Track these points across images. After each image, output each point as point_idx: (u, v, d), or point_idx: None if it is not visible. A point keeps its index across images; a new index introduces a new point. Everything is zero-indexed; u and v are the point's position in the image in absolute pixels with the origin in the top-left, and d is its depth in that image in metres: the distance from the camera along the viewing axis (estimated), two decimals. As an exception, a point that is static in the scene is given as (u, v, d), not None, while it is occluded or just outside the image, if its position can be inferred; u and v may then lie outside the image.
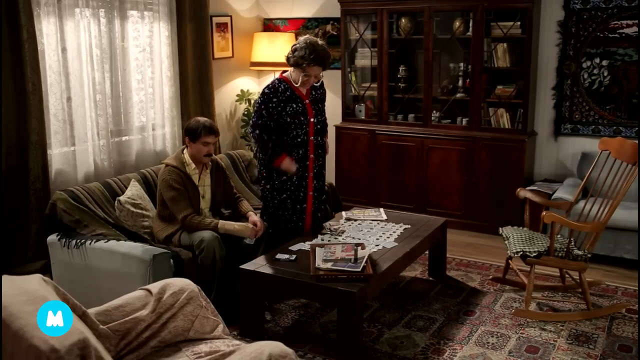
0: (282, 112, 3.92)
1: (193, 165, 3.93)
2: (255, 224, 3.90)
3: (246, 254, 3.80)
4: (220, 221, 3.88)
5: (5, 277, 2.18)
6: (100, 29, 4.59)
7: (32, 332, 1.87)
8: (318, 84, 4.05)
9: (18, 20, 3.94)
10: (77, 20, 4.42)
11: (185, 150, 3.98)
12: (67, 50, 4.36)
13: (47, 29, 4.23)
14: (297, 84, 3.94)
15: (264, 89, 3.97)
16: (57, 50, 4.30)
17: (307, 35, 4.00)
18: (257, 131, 3.92)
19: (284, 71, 4.09)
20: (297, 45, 3.88)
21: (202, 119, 3.97)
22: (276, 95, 3.91)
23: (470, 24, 5.39)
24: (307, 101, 4.00)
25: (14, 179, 4.09)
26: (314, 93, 4.07)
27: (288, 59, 3.92)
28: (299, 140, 3.98)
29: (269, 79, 6.48)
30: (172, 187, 3.82)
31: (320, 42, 3.92)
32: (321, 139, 4.14)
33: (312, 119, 4.01)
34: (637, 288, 4.26)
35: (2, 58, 3.95)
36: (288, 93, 3.94)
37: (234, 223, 3.90)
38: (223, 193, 4.14)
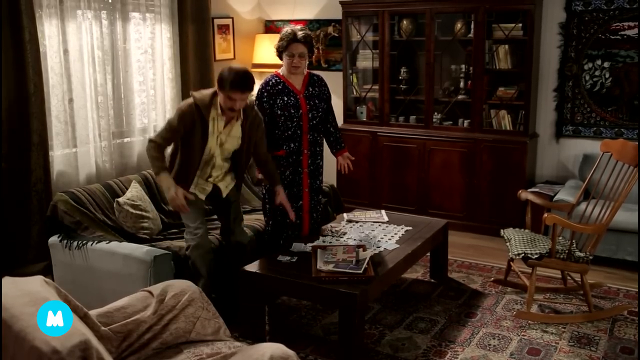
0: (273, 106, 3.96)
1: (218, 111, 3.53)
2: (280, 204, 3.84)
3: (236, 252, 3.83)
4: (163, 174, 3.50)
5: (6, 279, 2.19)
6: (102, 31, 4.60)
7: (34, 334, 1.87)
8: (303, 62, 4.00)
9: (20, 21, 3.95)
10: (79, 22, 4.42)
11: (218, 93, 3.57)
12: (69, 51, 4.36)
13: (49, 31, 4.24)
14: (291, 73, 3.99)
15: (261, 85, 4.03)
16: (59, 52, 4.30)
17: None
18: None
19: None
20: (279, 36, 4.01)
21: (238, 68, 3.49)
22: (266, 89, 3.98)
23: (472, 26, 5.39)
24: (300, 96, 4.00)
25: (16, 180, 4.09)
26: (310, 89, 4.06)
27: (276, 50, 4.02)
28: (289, 133, 3.98)
29: (270, 80, 6.49)
30: (177, 118, 3.50)
31: (298, 27, 4.02)
32: (318, 137, 4.14)
33: (308, 114, 4.01)
34: (638, 290, 4.26)
35: (5, 59, 3.95)
36: (280, 87, 3.99)
37: (170, 184, 3.48)
38: (254, 154, 3.81)
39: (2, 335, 1.93)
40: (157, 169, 3.52)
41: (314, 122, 4.07)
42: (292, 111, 3.96)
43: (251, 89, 3.46)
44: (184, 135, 3.54)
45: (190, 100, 3.54)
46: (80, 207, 3.90)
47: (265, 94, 3.97)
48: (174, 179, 3.55)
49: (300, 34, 3.91)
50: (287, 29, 3.98)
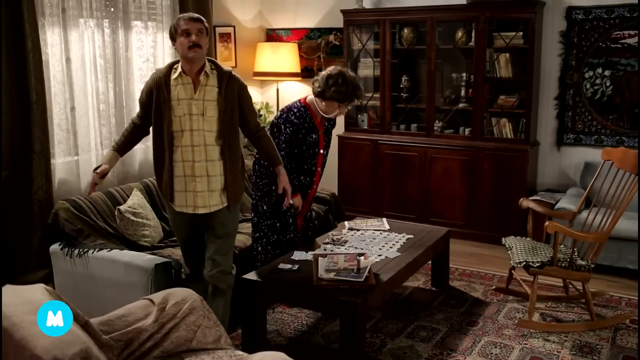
0: (302, 141, 3.88)
1: (179, 71, 3.15)
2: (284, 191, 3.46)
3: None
4: (110, 150, 3.35)
5: (8, 287, 2.19)
6: (104, 39, 4.62)
7: (35, 342, 1.87)
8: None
9: (23, 30, 3.97)
10: (82, 31, 4.44)
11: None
12: (71, 60, 4.38)
13: (51, 39, 4.26)
14: (324, 113, 3.88)
15: (290, 116, 3.84)
16: (61, 60, 4.32)
17: (334, 67, 3.89)
18: (286, 159, 3.75)
19: (306, 96, 3.99)
20: (332, 79, 3.76)
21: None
22: (303, 125, 3.86)
23: (473, 34, 5.41)
24: (321, 132, 3.98)
25: (17, 188, 4.10)
26: (326, 124, 4.04)
27: (322, 92, 3.79)
28: (305, 167, 3.96)
29: (271, 88, 6.51)
30: (142, 90, 3.31)
31: (350, 73, 3.88)
32: (322, 170, 4.15)
33: (322, 150, 4.01)
34: (641, 298, 4.25)
35: (7, 68, 3.97)
36: (309, 120, 3.90)
37: (103, 161, 3.29)
38: (243, 128, 3.36)
39: (2, 344, 1.93)
40: (114, 142, 3.47)
41: (325, 159, 4.09)
42: (315, 150, 3.95)
43: (201, 19, 3.15)
44: (149, 108, 3.21)
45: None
46: (81, 215, 3.90)
47: (303, 130, 3.85)
48: (158, 182, 3.28)
49: (361, 91, 3.84)
50: (347, 77, 3.75)
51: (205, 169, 3.19)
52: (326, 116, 3.91)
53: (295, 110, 3.87)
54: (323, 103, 3.83)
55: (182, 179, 3.22)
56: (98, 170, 3.23)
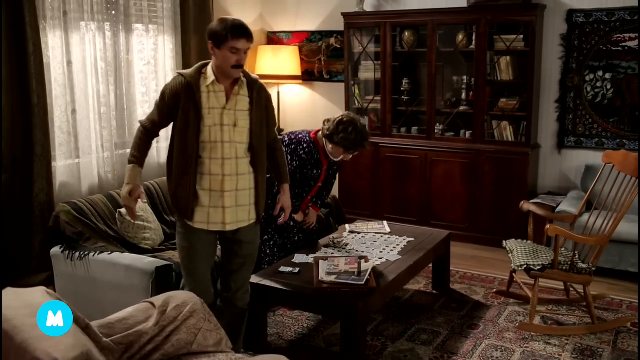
0: (304, 174, 3.91)
1: (212, 79, 2.93)
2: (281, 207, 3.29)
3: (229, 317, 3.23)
4: (132, 165, 3.02)
5: (9, 290, 2.19)
6: (105, 42, 4.62)
7: (36, 345, 1.87)
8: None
9: (24, 33, 3.97)
10: (83, 34, 4.45)
11: (211, 64, 3.00)
12: (73, 63, 4.39)
13: (52, 42, 4.26)
14: (329, 154, 3.90)
15: (299, 151, 3.86)
16: (63, 63, 4.33)
17: (347, 113, 3.89)
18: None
19: (317, 131, 3.97)
20: (343, 126, 3.76)
21: (230, 18, 2.97)
22: (310, 162, 3.88)
23: (474, 37, 5.42)
24: (324, 167, 4.00)
25: (18, 190, 4.10)
26: (331, 168, 4.08)
27: (330, 135, 3.78)
28: (297, 191, 3.94)
29: (272, 91, 6.51)
30: (161, 94, 3.01)
31: (362, 122, 3.89)
32: (317, 201, 4.16)
33: (319, 184, 4.04)
34: (642, 302, 4.25)
35: (8, 71, 3.97)
36: (317, 157, 3.92)
37: (131, 180, 3.00)
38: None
39: (3, 347, 1.93)
40: (131, 156, 3.02)
41: (323, 192, 4.13)
42: (312, 183, 3.98)
43: (252, 37, 2.96)
44: (173, 116, 2.97)
45: (175, 75, 3.03)
46: (82, 218, 3.91)
47: (309, 166, 3.88)
48: (174, 196, 3.02)
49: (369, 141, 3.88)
50: (358, 126, 3.75)
51: (235, 183, 2.98)
52: (331, 159, 3.94)
53: (305, 145, 3.87)
54: (330, 145, 3.85)
55: (207, 193, 2.96)
56: (134, 197, 2.99)
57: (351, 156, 3.94)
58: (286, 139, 3.93)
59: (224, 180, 2.95)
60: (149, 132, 3.07)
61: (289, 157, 3.82)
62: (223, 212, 2.98)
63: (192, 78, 2.92)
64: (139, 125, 3.08)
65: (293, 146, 3.87)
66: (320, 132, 3.91)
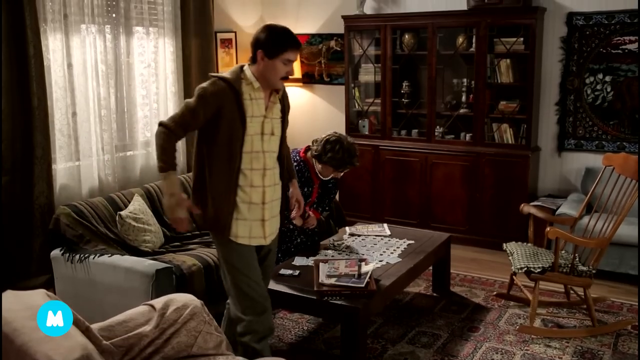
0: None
1: (257, 85, 2.80)
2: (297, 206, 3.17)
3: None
4: (171, 171, 2.74)
5: (9, 292, 2.19)
6: (105, 45, 4.63)
7: (36, 348, 1.87)
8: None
9: (25, 36, 3.98)
10: (83, 36, 4.45)
11: (245, 67, 2.85)
12: (73, 65, 4.39)
13: (53, 45, 4.27)
14: (319, 174, 3.96)
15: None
16: (63, 66, 4.33)
17: (333, 132, 3.91)
18: None
19: (307, 148, 4.00)
20: (330, 145, 3.80)
21: (280, 26, 2.84)
22: (301, 180, 3.87)
23: (474, 40, 5.42)
24: (316, 185, 4.04)
25: (19, 193, 4.10)
26: (324, 186, 4.12)
27: (319, 156, 3.83)
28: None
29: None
30: (197, 97, 2.73)
31: (349, 139, 3.88)
32: (317, 208, 4.19)
33: (313, 199, 4.07)
34: (642, 304, 4.24)
35: (9, 73, 3.98)
36: (307, 175, 3.96)
37: (176, 189, 2.75)
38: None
39: (3, 349, 1.93)
40: (163, 163, 2.72)
41: (318, 208, 4.16)
42: (305, 200, 3.97)
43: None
44: (207, 123, 2.76)
45: (213, 79, 2.79)
46: (82, 220, 3.91)
47: (299, 183, 3.73)
48: (214, 217, 2.80)
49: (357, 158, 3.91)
50: (345, 145, 3.81)
51: (272, 194, 2.91)
52: (322, 177, 3.99)
53: (295, 164, 3.87)
54: (319, 165, 3.91)
55: (246, 206, 2.84)
56: (184, 206, 2.75)
57: (342, 174, 3.95)
58: None
59: (265, 191, 2.87)
60: (175, 135, 2.75)
61: None
62: (263, 225, 2.90)
63: (235, 83, 2.77)
64: (161, 128, 2.74)
65: None
66: (309, 152, 3.96)
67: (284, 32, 2.80)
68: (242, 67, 2.85)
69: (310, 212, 4.05)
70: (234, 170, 2.78)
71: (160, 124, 2.74)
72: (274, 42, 2.76)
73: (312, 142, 3.95)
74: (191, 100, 2.75)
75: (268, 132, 2.85)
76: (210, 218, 2.83)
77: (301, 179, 3.90)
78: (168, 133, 2.72)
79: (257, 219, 2.88)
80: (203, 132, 2.80)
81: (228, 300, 3.06)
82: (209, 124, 2.75)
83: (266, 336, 2.93)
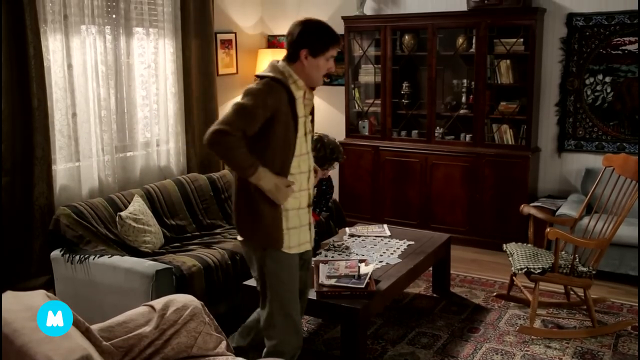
0: None
1: (302, 83, 2.69)
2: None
3: None
4: (261, 167, 2.58)
5: (9, 293, 2.19)
6: (105, 46, 4.63)
7: (36, 349, 1.86)
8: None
9: (25, 37, 3.98)
10: (83, 37, 4.46)
11: (283, 65, 2.71)
12: (73, 66, 4.39)
13: (53, 46, 4.27)
14: None
15: None
16: (63, 67, 4.33)
17: (315, 132, 3.91)
18: None
19: None
20: (312, 144, 3.75)
21: (316, 20, 2.78)
22: None
23: (474, 41, 5.42)
24: None
25: (19, 194, 4.10)
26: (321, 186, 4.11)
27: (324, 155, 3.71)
28: None
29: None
30: (254, 98, 2.57)
31: (330, 138, 3.78)
32: (315, 208, 4.15)
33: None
34: (642, 305, 4.24)
35: (10, 74, 3.98)
36: None
37: (276, 178, 2.62)
38: None
39: (3, 350, 1.93)
40: (249, 166, 2.55)
41: (322, 201, 4.14)
42: None
43: None
44: (264, 127, 2.60)
45: (266, 79, 2.64)
46: (82, 221, 3.91)
47: None
48: (268, 230, 2.68)
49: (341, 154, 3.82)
50: (326, 141, 3.66)
51: (312, 195, 2.86)
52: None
53: None
54: None
55: (296, 212, 2.75)
56: (286, 183, 2.65)
57: (330, 171, 3.95)
58: None
59: (309, 194, 2.81)
60: (239, 139, 2.54)
61: None
62: (310, 229, 2.84)
63: (286, 84, 2.64)
64: (221, 136, 2.50)
65: None
66: None
67: (327, 29, 2.71)
68: (277, 64, 2.70)
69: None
70: (286, 176, 2.67)
71: (219, 132, 2.50)
72: (319, 40, 2.67)
73: None
74: (245, 102, 2.55)
75: (309, 132, 2.78)
76: (264, 232, 2.68)
77: None
78: (234, 137, 2.51)
79: (305, 223, 2.80)
80: (253, 139, 2.60)
81: (257, 311, 2.97)
82: (261, 129, 2.59)
83: (296, 354, 2.85)
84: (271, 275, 2.75)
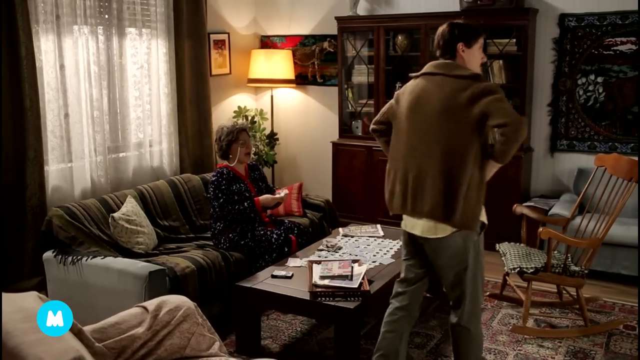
0: (230, 189, 4.17)
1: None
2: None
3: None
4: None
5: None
6: (98, 46, 4.62)
7: (28, 350, 1.86)
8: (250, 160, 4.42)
9: (17, 37, 3.97)
10: (76, 38, 4.44)
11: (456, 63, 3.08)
12: (65, 67, 4.38)
13: (45, 46, 4.25)
14: (239, 161, 4.26)
15: (216, 184, 4.16)
16: (55, 67, 4.32)
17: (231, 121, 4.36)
18: (225, 210, 4.12)
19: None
20: (217, 135, 4.32)
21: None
22: (227, 181, 4.17)
23: (466, 41, 5.42)
24: (247, 181, 4.27)
25: (11, 195, 4.09)
26: (252, 174, 4.39)
27: (221, 150, 4.27)
28: (247, 211, 4.16)
29: (266, 95, 6.52)
30: (498, 88, 3.04)
31: (223, 127, 4.31)
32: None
33: (255, 193, 4.28)
34: (634, 304, 4.26)
35: (2, 75, 3.96)
36: (231, 175, 4.22)
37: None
38: None
39: (-5, 352, 1.92)
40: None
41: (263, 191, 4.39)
42: (247, 194, 4.21)
43: None
44: (483, 124, 3.06)
45: (485, 80, 3.02)
46: (75, 222, 3.89)
47: (223, 182, 4.17)
48: (475, 212, 2.94)
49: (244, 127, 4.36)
50: (224, 127, 4.30)
51: None
52: (236, 164, 4.26)
53: (216, 177, 4.19)
54: (229, 157, 4.27)
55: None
56: None
57: (248, 152, 4.30)
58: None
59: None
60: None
61: (217, 194, 4.14)
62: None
63: None
64: (523, 123, 3.09)
65: (212, 187, 4.17)
66: (219, 160, 4.39)
67: (471, 24, 3.05)
68: (452, 62, 2.99)
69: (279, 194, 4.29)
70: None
71: (524, 122, 2.96)
72: (469, 32, 2.99)
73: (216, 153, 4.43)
74: (502, 95, 2.95)
75: None
76: (476, 215, 2.92)
77: (228, 179, 4.16)
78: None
79: None
80: (480, 130, 3.08)
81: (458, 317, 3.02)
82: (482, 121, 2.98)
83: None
84: (478, 261, 2.97)
